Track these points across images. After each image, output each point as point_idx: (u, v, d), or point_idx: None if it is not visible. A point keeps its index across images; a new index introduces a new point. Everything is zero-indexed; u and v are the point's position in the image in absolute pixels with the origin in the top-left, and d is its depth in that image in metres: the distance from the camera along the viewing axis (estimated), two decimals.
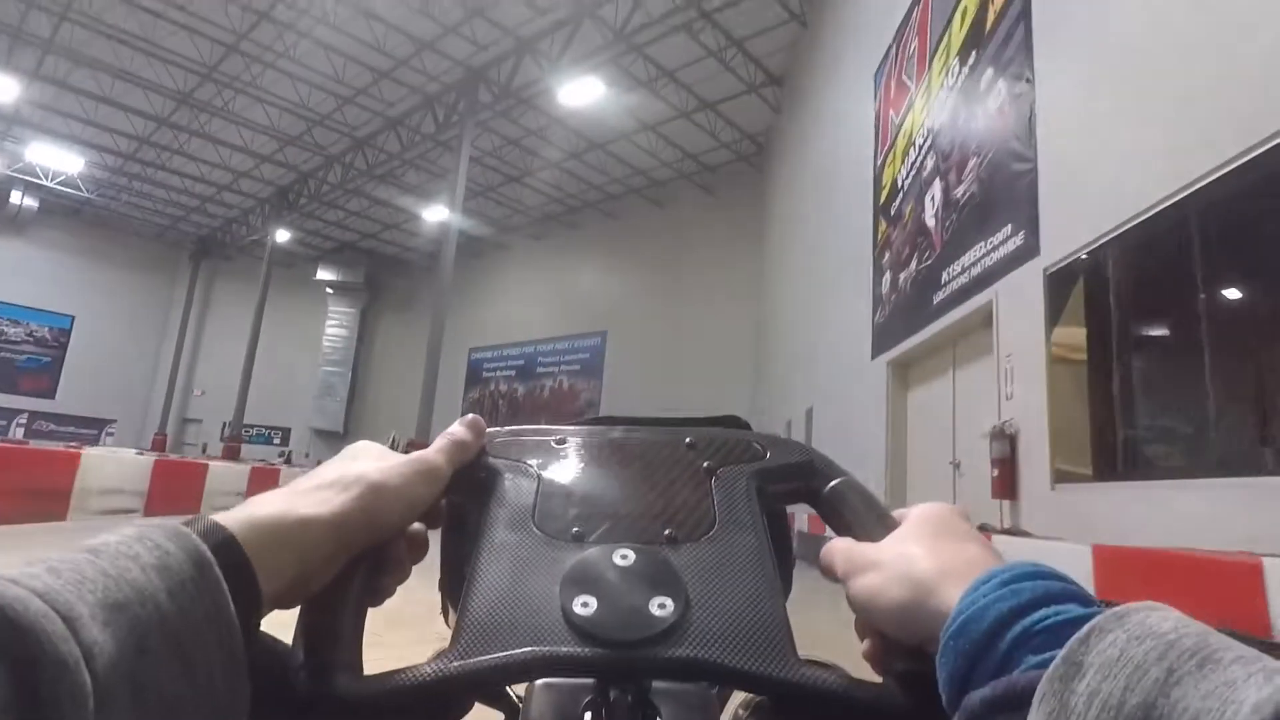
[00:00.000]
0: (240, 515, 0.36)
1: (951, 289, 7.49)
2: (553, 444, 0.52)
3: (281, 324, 33.36)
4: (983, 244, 6.73)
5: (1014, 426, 5.92)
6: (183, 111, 22.40)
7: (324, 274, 32.97)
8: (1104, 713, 0.24)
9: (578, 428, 0.55)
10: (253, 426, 32.40)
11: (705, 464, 0.50)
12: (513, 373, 28.55)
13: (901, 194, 9.21)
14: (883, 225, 9.96)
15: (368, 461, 0.45)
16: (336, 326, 33.72)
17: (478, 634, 0.38)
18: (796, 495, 0.51)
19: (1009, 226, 6.24)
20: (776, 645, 0.38)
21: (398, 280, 34.54)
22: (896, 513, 0.45)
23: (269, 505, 0.38)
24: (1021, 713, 0.28)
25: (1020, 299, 6.03)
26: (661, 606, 0.38)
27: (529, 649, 0.37)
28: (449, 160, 24.18)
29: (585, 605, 0.38)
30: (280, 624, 0.39)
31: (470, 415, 0.51)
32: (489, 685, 0.41)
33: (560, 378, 26.73)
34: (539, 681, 0.41)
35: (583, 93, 18.34)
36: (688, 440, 0.52)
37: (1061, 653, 0.28)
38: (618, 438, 0.53)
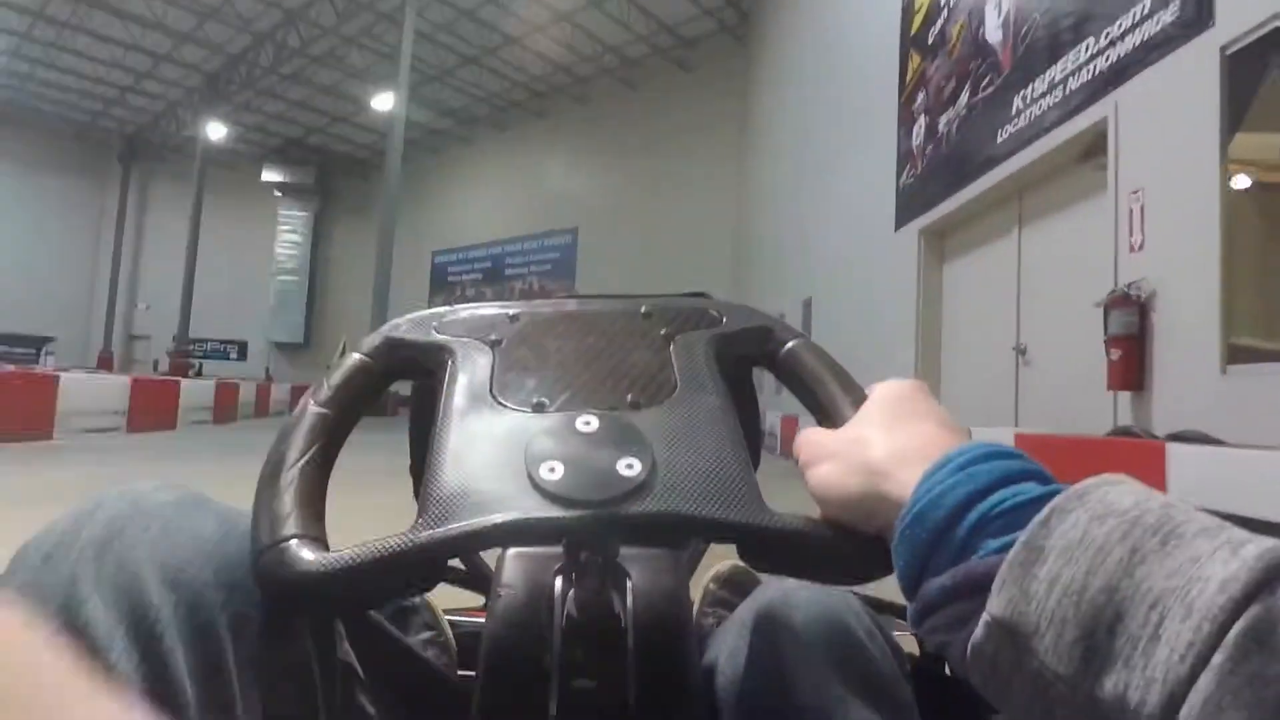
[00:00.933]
0: None
1: (1028, 117, 5.57)
2: (507, 318, 0.50)
3: (229, 230, 30.51)
4: (1093, 40, 4.78)
5: (1146, 288, 4.16)
6: None
7: (270, 175, 29.92)
8: (1066, 598, 0.23)
9: (532, 301, 0.52)
10: (205, 341, 30.14)
11: (663, 331, 0.49)
12: (480, 275, 26.36)
13: (946, 11, 7.11)
14: (915, 60, 7.87)
15: None
16: (289, 232, 30.96)
17: (445, 504, 0.37)
18: (755, 359, 0.49)
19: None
20: (742, 494, 0.37)
21: (352, 181, 31.57)
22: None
23: None
24: (979, 599, 0.27)
25: (1165, 104, 4.15)
26: (629, 467, 0.37)
27: (498, 516, 0.36)
28: (396, 37, 21.17)
29: (552, 470, 0.37)
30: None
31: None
32: (459, 553, 0.40)
33: (530, 279, 24.63)
34: (510, 551, 0.41)
35: None
36: (643, 310, 0.51)
37: (1021, 537, 0.27)
38: (573, 309, 0.51)
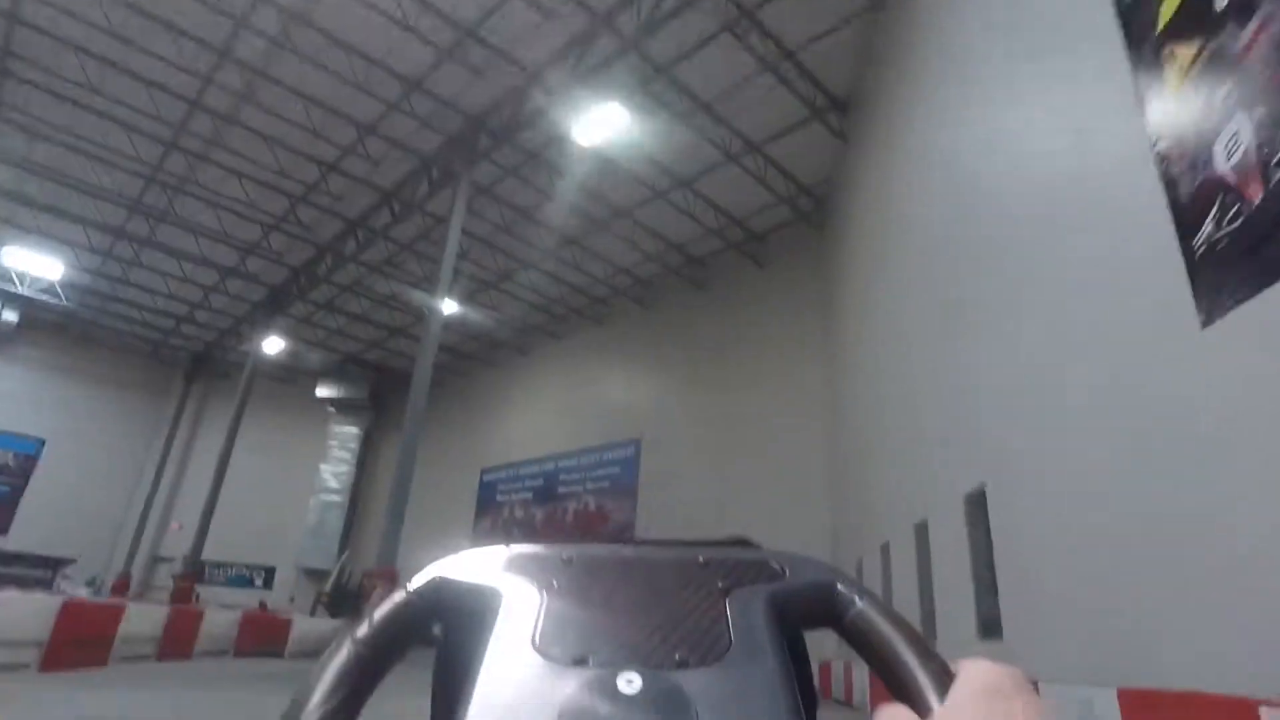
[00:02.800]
0: None
1: None
2: (560, 561, 0.47)
3: (277, 449, 28.98)
4: None
5: None
6: (152, 190, 19.18)
7: (325, 391, 28.82)
8: None
9: (587, 545, 0.50)
10: (230, 565, 27.22)
11: (720, 584, 0.45)
12: (530, 495, 23.22)
13: None
14: (1180, 54, 4.85)
15: None
16: (338, 449, 29.14)
17: None
18: (819, 619, 0.45)
19: None
20: None
21: (405, 397, 30.17)
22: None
23: None
24: None
25: None
26: None
27: None
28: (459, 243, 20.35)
29: None
30: None
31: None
32: None
33: (586, 498, 21.31)
34: None
35: (603, 123, 14.35)
36: (700, 559, 0.48)
37: None
38: (628, 556, 0.49)
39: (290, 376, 30.18)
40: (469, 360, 27.86)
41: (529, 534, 22.61)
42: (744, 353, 18.69)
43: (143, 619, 10.73)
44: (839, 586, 0.46)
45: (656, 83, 14.21)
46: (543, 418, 24.18)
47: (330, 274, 21.49)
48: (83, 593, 19.89)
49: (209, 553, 25.56)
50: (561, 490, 22.11)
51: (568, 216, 18.76)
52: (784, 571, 0.47)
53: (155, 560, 27.13)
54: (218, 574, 26.88)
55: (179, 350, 28.90)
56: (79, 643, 9.25)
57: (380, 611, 0.44)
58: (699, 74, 14.06)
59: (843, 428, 14.78)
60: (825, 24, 12.86)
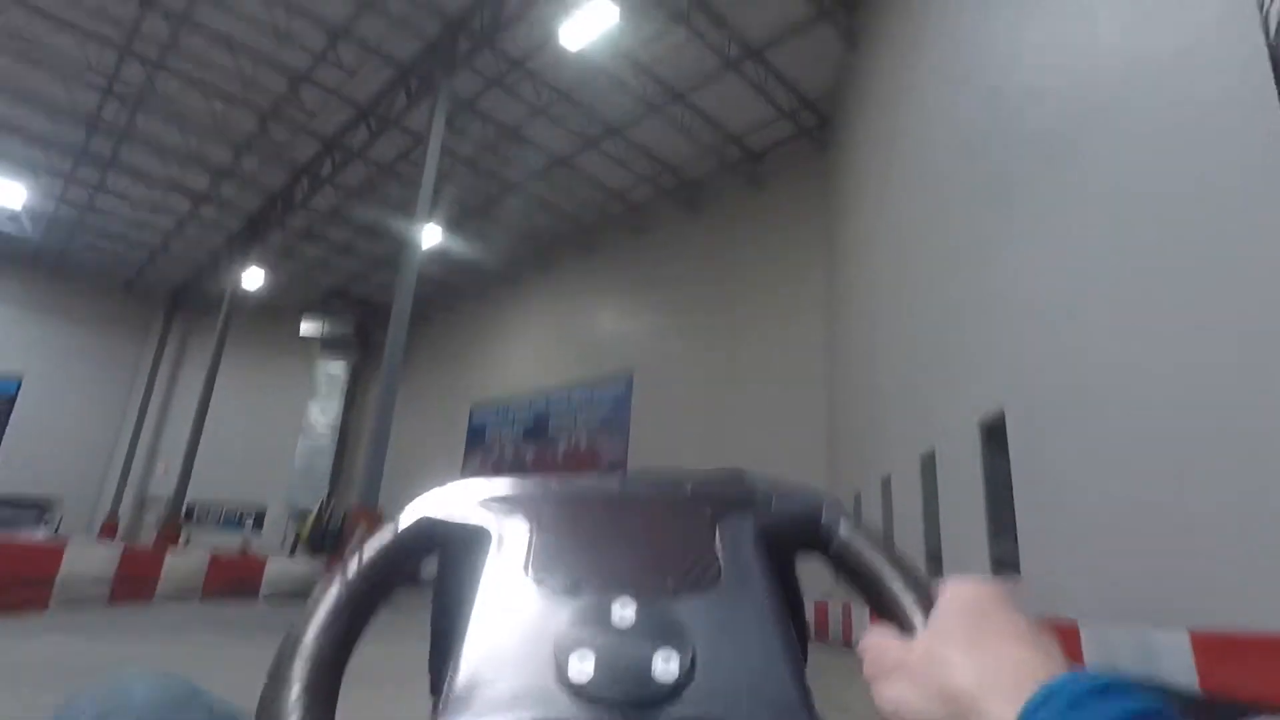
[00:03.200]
0: None
1: None
2: (549, 493, 0.48)
3: (260, 387, 28.18)
4: None
5: None
6: (110, 104, 17.80)
7: (309, 327, 27.85)
8: None
9: (574, 477, 0.51)
10: (220, 506, 26.75)
11: (708, 513, 0.46)
12: (521, 433, 22.49)
13: None
14: None
15: None
16: (325, 387, 28.34)
17: (468, 699, 0.34)
18: (805, 545, 0.46)
19: None
20: (793, 701, 0.34)
21: None
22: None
23: None
24: None
25: None
26: (666, 661, 0.35)
27: (524, 714, 0.34)
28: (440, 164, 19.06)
29: (583, 663, 0.35)
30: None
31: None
32: None
33: (577, 435, 20.56)
34: None
35: (590, 23, 12.96)
36: (689, 489, 0.48)
37: None
38: (616, 487, 0.49)
39: (274, 313, 29.15)
40: (456, 293, 26.82)
41: (519, 472, 21.96)
42: (741, 280, 17.63)
43: (89, 559, 9.98)
44: (825, 513, 0.45)
45: None
46: (533, 352, 23.28)
47: (308, 199, 20.27)
48: (39, 534, 19.27)
49: (197, 494, 25.00)
50: (553, 427, 21.36)
51: (555, 134, 17.45)
52: (771, 499, 0.46)
53: (144, 502, 26.64)
54: (207, 516, 26.42)
55: (156, 285, 27.82)
56: (14, 584, 8.59)
57: (369, 550, 0.44)
58: None
59: (845, 355, 13.84)
60: None
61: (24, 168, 20.09)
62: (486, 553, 0.43)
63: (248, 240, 22.70)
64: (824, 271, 15.66)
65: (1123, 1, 5.60)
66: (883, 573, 0.42)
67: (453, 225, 21.66)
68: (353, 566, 0.43)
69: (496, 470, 22.77)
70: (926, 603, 0.39)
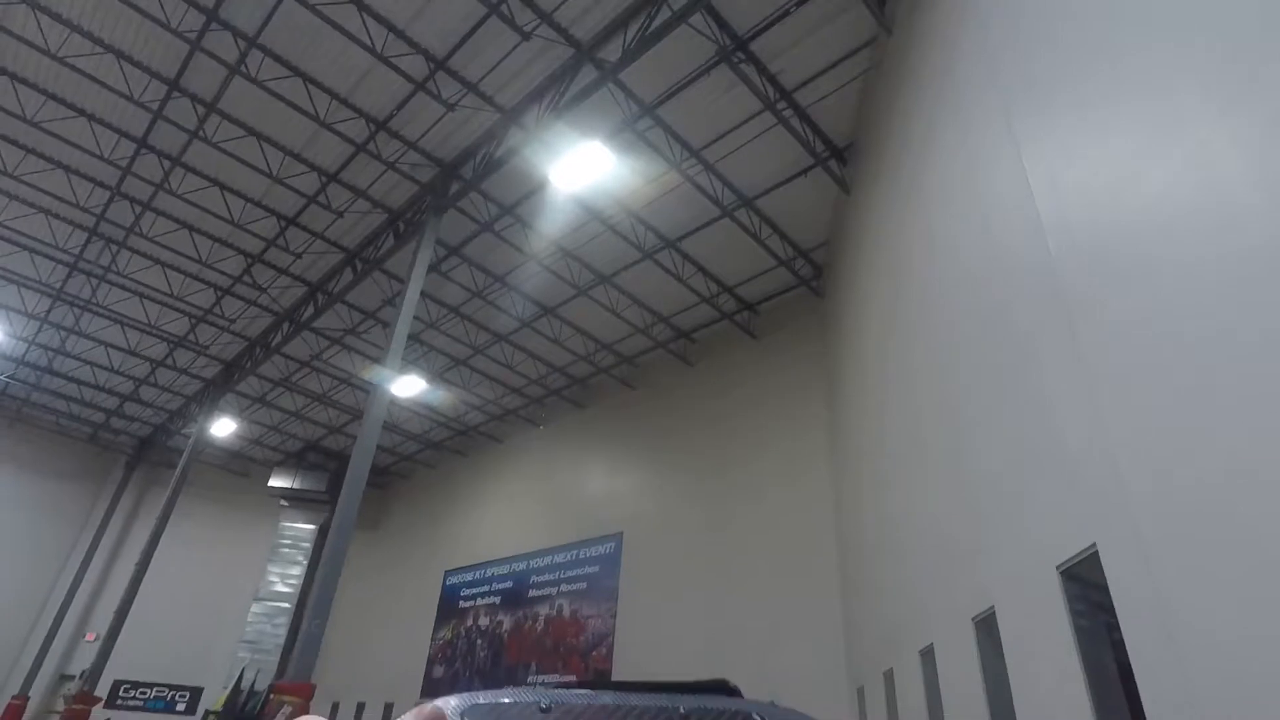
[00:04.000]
0: None
1: None
2: (539, 710, 0.38)
3: (220, 548, 25.95)
4: None
5: None
6: (95, 244, 17.45)
7: (278, 481, 26.12)
8: None
9: (565, 692, 0.40)
10: (149, 686, 23.52)
11: None
12: (498, 599, 20.26)
13: None
14: None
15: None
16: (288, 548, 26.08)
17: None
18: None
19: None
20: None
21: (367, 490, 27.45)
22: None
23: None
24: None
25: None
26: None
27: None
28: (427, 312, 18.59)
29: None
30: None
31: None
32: None
33: (560, 602, 18.44)
34: None
35: (583, 166, 12.87)
36: (682, 710, 0.38)
37: None
38: (607, 705, 0.46)
39: (242, 467, 27.53)
40: (437, 450, 25.47)
41: (494, 647, 19.51)
42: (738, 433, 16.57)
43: None
44: None
45: (642, 121, 12.89)
46: (516, 513, 21.59)
47: (286, 342, 19.50)
48: None
49: (123, 670, 22.11)
50: (533, 594, 19.25)
51: (545, 282, 17.10)
52: None
53: (62, 678, 23.40)
54: (132, 695, 23.16)
55: (121, 435, 26.35)
56: None
57: None
58: (687, 115, 12.79)
59: (853, 517, 12.49)
60: (825, 60, 11.69)
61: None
62: None
63: (220, 388, 21.66)
64: (826, 425, 14.68)
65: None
66: None
67: (435, 376, 20.84)
68: None
69: (469, 639, 20.28)
70: None
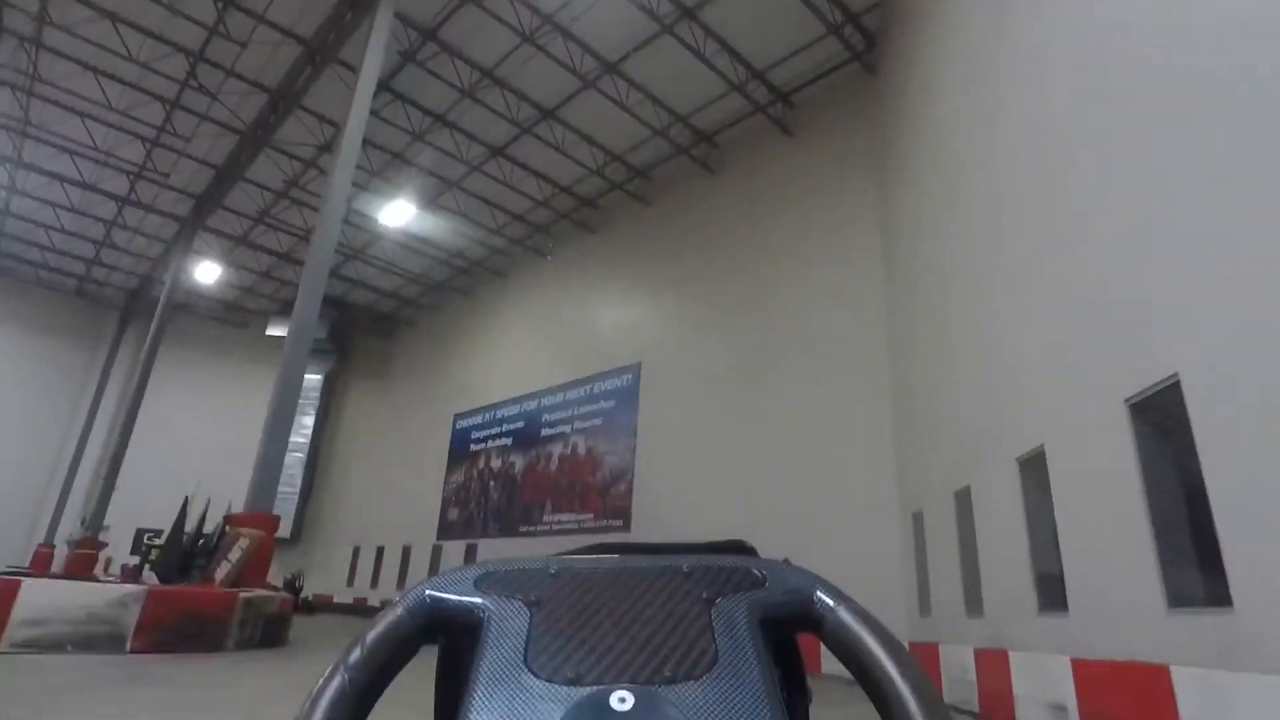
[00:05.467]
0: None
1: None
2: (547, 575, 0.48)
3: (226, 401, 24.79)
4: None
5: None
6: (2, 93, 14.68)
7: (277, 330, 24.46)
8: None
9: (571, 555, 0.51)
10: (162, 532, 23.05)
11: (704, 594, 0.46)
12: (509, 441, 18.90)
13: None
14: None
15: None
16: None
17: None
18: (799, 625, 0.46)
19: None
20: None
21: (371, 340, 25.85)
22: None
23: None
24: None
25: None
26: None
27: None
28: (408, 120, 15.85)
29: None
30: None
31: None
32: None
33: (574, 440, 16.96)
34: None
35: None
36: (685, 569, 0.48)
37: None
38: (613, 566, 0.49)
39: (240, 319, 25.89)
40: (440, 291, 23.45)
41: (507, 489, 18.33)
42: (772, 250, 14.17)
43: None
44: (818, 594, 0.45)
45: None
46: (525, 352, 19.77)
47: (250, 162, 17.00)
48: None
49: (146, 519, 21.57)
50: (545, 433, 17.77)
51: (543, 74, 14.17)
52: (765, 579, 0.46)
53: (82, 525, 22.99)
54: (152, 543, 22.74)
55: (107, 287, 24.57)
56: None
57: (372, 633, 0.43)
58: None
59: (911, 331, 10.32)
60: None
61: None
62: (486, 636, 0.41)
63: (195, 224, 19.44)
64: (877, 234, 12.22)
65: None
66: (878, 658, 0.39)
67: (428, 202, 18.39)
68: (355, 653, 0.41)
69: (482, 482, 19.16)
70: (920, 685, 0.38)
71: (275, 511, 23.34)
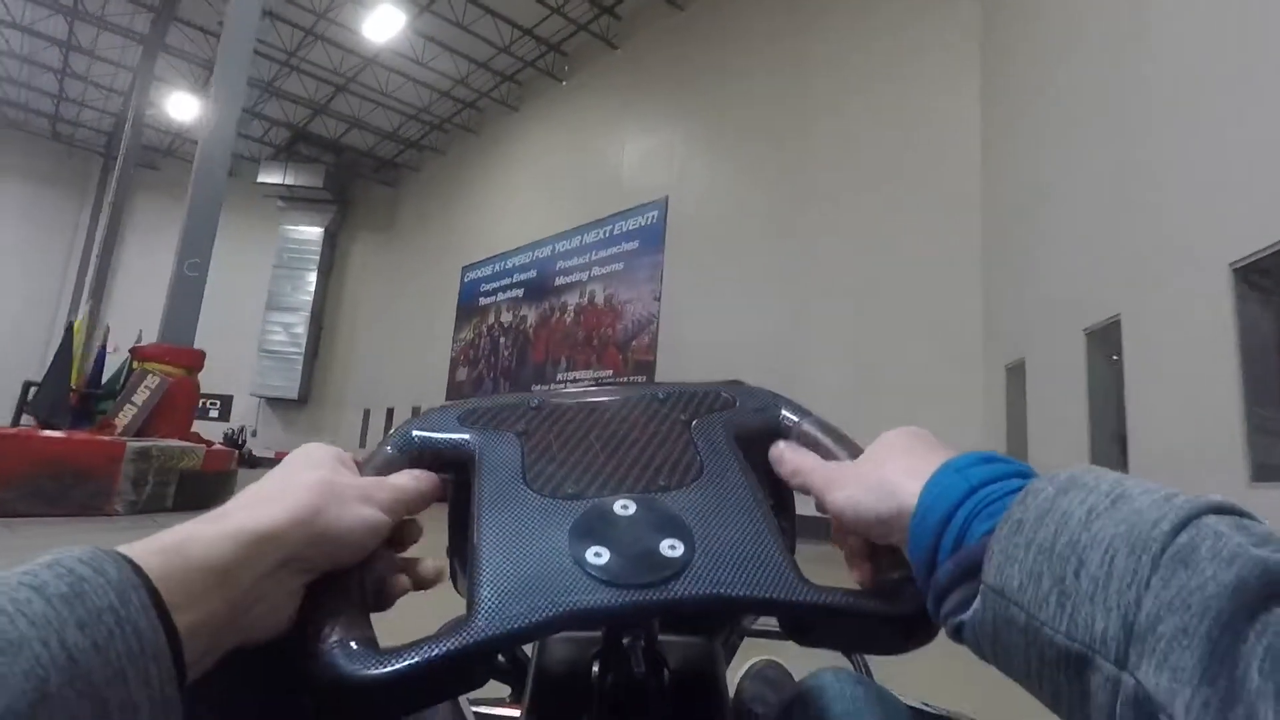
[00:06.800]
0: (143, 543, 0.29)
1: None
2: (530, 408, 0.49)
3: (223, 257, 22.80)
4: None
5: None
6: None
7: (268, 177, 22.10)
8: (1040, 554, 0.27)
9: (550, 391, 0.52)
10: None
11: (681, 416, 0.49)
12: (520, 292, 16.80)
13: None
14: None
15: (311, 470, 0.38)
16: (294, 254, 22.85)
17: (498, 598, 0.36)
18: (769, 438, 0.48)
19: None
20: (782, 570, 0.38)
21: (374, 188, 23.36)
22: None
23: (181, 530, 0.30)
24: (979, 577, 0.29)
25: None
26: (672, 548, 0.37)
27: (556, 605, 0.35)
28: None
29: (598, 555, 0.37)
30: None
31: (420, 472, 0.43)
32: (517, 645, 0.40)
33: (591, 288, 14.78)
34: (549, 638, 0.43)
35: None
36: (660, 396, 0.51)
37: (1003, 515, 0.30)
38: (590, 399, 0.51)
39: (233, 165, 23.49)
40: (447, 131, 20.71)
41: (519, 345, 16.42)
42: (832, 61, 11.26)
43: None
44: (783, 410, 0.49)
45: None
46: (539, 192, 17.25)
47: None
48: None
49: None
50: (559, 282, 15.59)
51: None
52: (734, 400, 0.49)
53: None
54: None
55: (82, 128, 22.19)
56: None
57: (366, 468, 0.43)
58: None
59: (1014, 143, 7.69)
60: None
61: None
62: (482, 465, 0.42)
63: (156, 43, 16.73)
64: (971, 34, 9.28)
65: None
66: (832, 450, 0.44)
67: (420, 9, 15.37)
68: None
69: (492, 338, 17.30)
70: (854, 447, 0.43)
71: (278, 375, 21.76)
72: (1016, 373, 7.72)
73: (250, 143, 22.09)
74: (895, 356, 9.26)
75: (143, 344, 8.40)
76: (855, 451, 0.44)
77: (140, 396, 7.35)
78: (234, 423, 22.18)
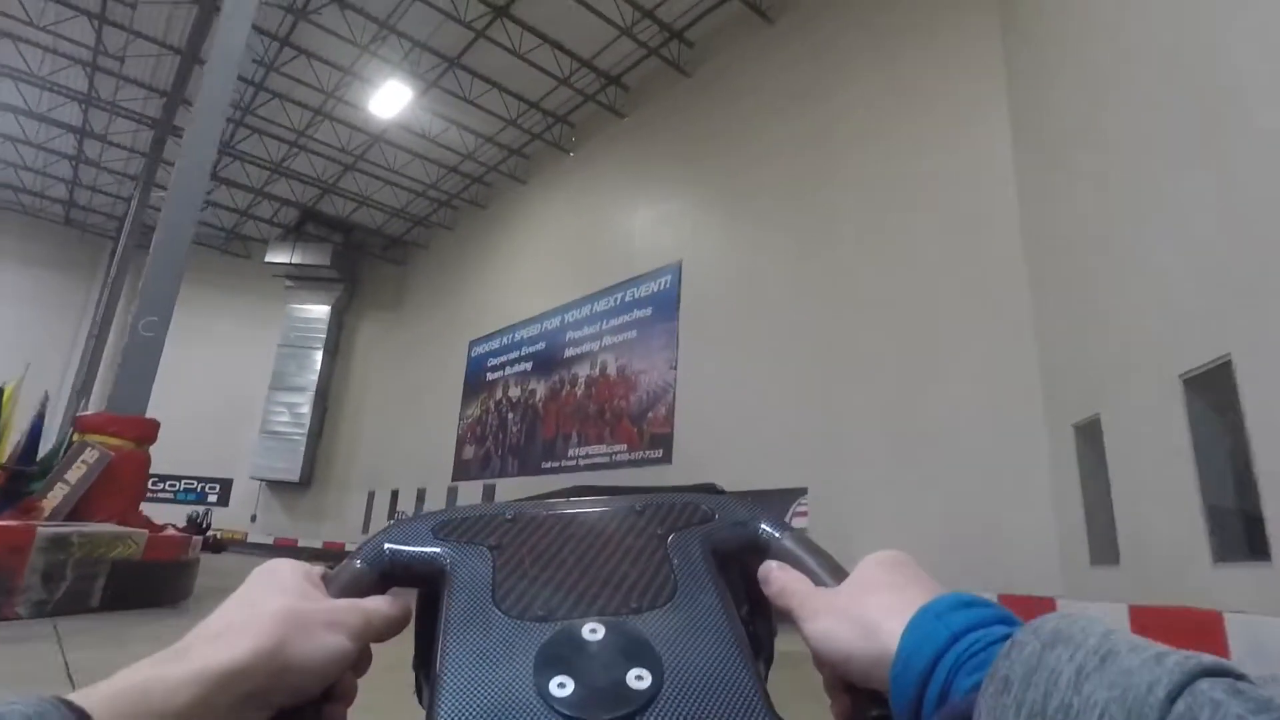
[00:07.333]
0: (101, 690, 0.28)
1: None
2: (504, 520, 0.48)
3: (227, 337, 22.43)
4: None
5: None
6: None
7: (277, 257, 21.88)
8: (1031, 718, 0.25)
9: (524, 503, 0.51)
10: (177, 479, 21.08)
11: (658, 530, 0.47)
12: (528, 366, 16.05)
13: None
14: None
15: (276, 596, 0.36)
16: (300, 333, 22.38)
17: None
18: (747, 554, 0.47)
19: None
20: (749, 701, 0.36)
21: (382, 267, 23.07)
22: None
23: (142, 671, 0.30)
24: None
25: None
26: (639, 678, 0.36)
27: None
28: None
29: (562, 686, 0.35)
30: None
31: (393, 599, 0.42)
32: None
33: (603, 358, 14.00)
34: None
35: None
36: (637, 508, 0.49)
37: (989, 671, 0.28)
38: (567, 510, 0.49)
39: (242, 249, 23.37)
40: (453, 208, 20.51)
41: (528, 421, 15.54)
42: (847, 116, 10.82)
43: None
44: (763, 525, 0.47)
45: None
46: (547, 263, 16.77)
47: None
48: None
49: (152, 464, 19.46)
50: (569, 353, 14.85)
51: None
52: (713, 514, 0.48)
53: None
54: (161, 488, 20.76)
55: (94, 214, 22.24)
56: None
57: (333, 585, 0.42)
58: None
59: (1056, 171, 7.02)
60: None
61: None
62: (452, 581, 0.41)
63: (162, 136, 16.76)
64: (1000, 79, 8.83)
65: None
66: (811, 568, 0.43)
67: (426, 85, 15.28)
68: None
69: (500, 414, 16.43)
70: (839, 572, 0.42)
71: (280, 457, 20.83)
72: (1088, 432, 6.75)
73: (259, 223, 21.99)
74: (942, 427, 8.30)
75: (86, 413, 7.48)
76: (836, 571, 0.42)
77: (75, 473, 6.40)
78: (234, 507, 21.20)
